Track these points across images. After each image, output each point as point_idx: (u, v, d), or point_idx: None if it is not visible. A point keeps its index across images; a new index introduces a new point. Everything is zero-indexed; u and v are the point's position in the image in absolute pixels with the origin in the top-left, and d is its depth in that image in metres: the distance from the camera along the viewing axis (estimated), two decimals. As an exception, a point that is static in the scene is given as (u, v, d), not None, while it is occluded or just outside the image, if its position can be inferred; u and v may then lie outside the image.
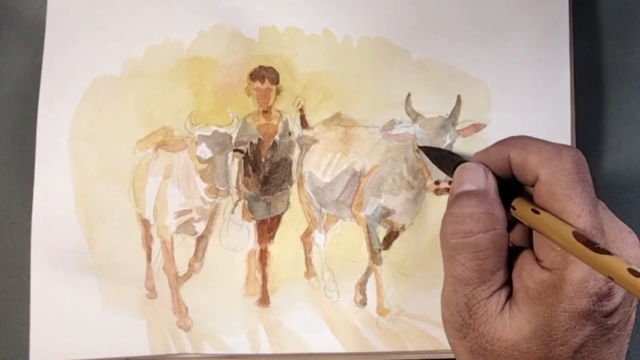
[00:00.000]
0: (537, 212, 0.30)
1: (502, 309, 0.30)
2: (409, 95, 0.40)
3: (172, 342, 0.39)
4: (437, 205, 0.40)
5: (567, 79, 0.40)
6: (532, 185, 0.31)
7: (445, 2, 0.40)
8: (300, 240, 0.40)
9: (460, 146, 0.40)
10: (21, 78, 0.43)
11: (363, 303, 0.39)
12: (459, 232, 0.31)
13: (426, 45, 0.40)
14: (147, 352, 0.39)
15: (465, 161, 0.35)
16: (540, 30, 0.40)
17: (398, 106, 0.40)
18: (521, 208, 0.31)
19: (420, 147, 0.39)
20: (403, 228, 0.40)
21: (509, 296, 0.31)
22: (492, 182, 0.32)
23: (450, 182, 0.39)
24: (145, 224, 0.40)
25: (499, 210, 0.31)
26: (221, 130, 0.40)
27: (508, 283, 0.31)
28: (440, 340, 0.39)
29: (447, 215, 0.32)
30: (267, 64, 0.41)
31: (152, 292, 0.40)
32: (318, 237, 0.40)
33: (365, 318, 0.39)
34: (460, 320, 0.31)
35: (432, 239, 0.39)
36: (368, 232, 0.40)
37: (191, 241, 0.40)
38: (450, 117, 0.40)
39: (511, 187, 0.33)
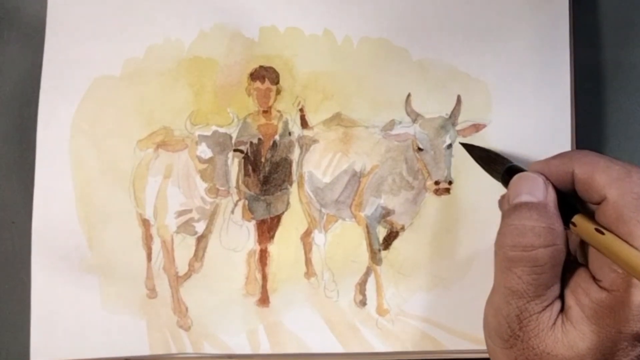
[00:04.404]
0: (602, 233, 0.29)
1: (554, 323, 0.30)
2: (409, 95, 0.40)
3: (172, 341, 0.39)
4: (437, 206, 0.40)
5: (567, 79, 0.40)
6: (596, 203, 0.31)
7: (446, 3, 0.40)
8: (300, 240, 0.40)
9: (461, 146, 0.40)
10: (21, 78, 0.43)
11: (363, 303, 0.39)
12: (519, 245, 0.30)
13: (426, 45, 0.40)
14: (147, 352, 0.39)
15: (516, 166, 0.35)
16: (540, 31, 0.40)
17: (398, 106, 0.40)
18: (583, 226, 0.30)
19: (463, 144, 0.39)
20: (403, 228, 0.40)
21: (560, 311, 0.31)
22: (552, 195, 0.32)
23: (450, 182, 0.39)
24: (146, 223, 0.40)
25: (558, 225, 0.31)
26: (221, 130, 0.40)
27: (559, 297, 0.31)
28: (439, 341, 0.39)
29: (505, 226, 0.31)
30: (267, 64, 0.41)
31: (152, 292, 0.40)
32: (318, 237, 0.40)
33: (365, 318, 0.39)
34: (509, 331, 0.31)
35: (432, 239, 0.39)
36: (368, 232, 0.40)
37: (191, 241, 0.40)
38: (450, 117, 0.40)
39: (569, 201, 0.32)
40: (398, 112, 0.40)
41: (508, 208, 0.32)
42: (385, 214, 0.40)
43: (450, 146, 0.40)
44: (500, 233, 0.32)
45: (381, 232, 0.40)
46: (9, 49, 0.43)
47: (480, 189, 0.39)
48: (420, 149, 0.40)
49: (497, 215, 0.39)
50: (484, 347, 0.38)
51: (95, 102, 0.41)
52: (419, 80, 0.40)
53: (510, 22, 0.40)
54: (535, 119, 0.40)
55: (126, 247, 0.40)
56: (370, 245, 0.40)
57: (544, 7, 0.40)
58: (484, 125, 0.40)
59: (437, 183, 0.39)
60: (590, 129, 0.42)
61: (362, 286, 0.40)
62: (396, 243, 0.40)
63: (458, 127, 0.40)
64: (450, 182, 0.39)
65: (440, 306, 0.39)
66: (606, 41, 0.43)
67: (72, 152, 0.40)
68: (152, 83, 0.41)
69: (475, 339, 0.38)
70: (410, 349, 0.39)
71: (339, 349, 0.39)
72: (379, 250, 0.40)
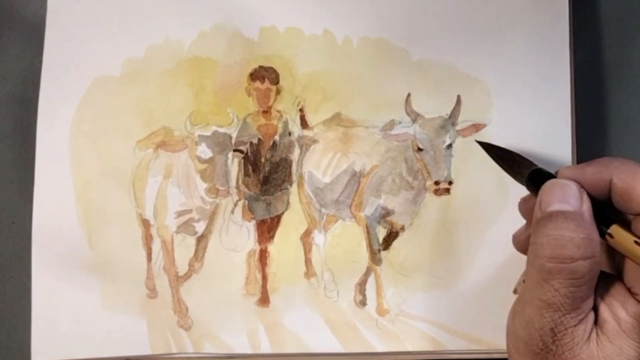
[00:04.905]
0: None
1: (589, 337, 0.29)
2: (408, 95, 0.40)
3: (173, 341, 0.39)
4: (437, 206, 0.40)
5: (567, 79, 0.40)
6: (635, 214, 0.30)
7: (445, 3, 0.40)
8: (300, 241, 0.40)
9: (461, 146, 0.40)
10: (21, 78, 0.43)
11: (363, 303, 0.40)
12: (558, 257, 0.29)
13: (426, 45, 0.40)
14: (148, 352, 0.39)
15: (543, 170, 0.33)
16: (540, 30, 0.40)
17: (398, 106, 0.40)
18: (621, 237, 0.29)
19: (480, 143, 0.37)
20: (403, 228, 0.40)
21: (594, 323, 0.30)
22: (587, 204, 0.30)
23: (449, 183, 0.39)
24: (146, 223, 0.40)
25: (596, 236, 0.29)
26: (221, 130, 0.40)
27: (592, 309, 0.30)
28: (439, 341, 0.39)
29: (541, 235, 0.30)
30: (267, 64, 0.41)
31: (152, 292, 0.40)
32: (318, 237, 0.40)
33: (365, 318, 0.39)
34: (541, 344, 0.30)
35: (432, 240, 0.39)
36: (368, 233, 0.40)
37: (191, 241, 0.40)
38: (450, 117, 0.40)
39: (604, 211, 0.31)
40: (398, 112, 0.40)
41: (542, 216, 0.30)
42: (385, 214, 0.40)
43: (450, 146, 0.40)
44: (536, 243, 0.30)
45: (381, 232, 0.40)
46: (9, 49, 0.43)
47: (480, 190, 0.39)
48: (420, 149, 0.40)
49: (497, 215, 0.39)
50: (483, 347, 0.39)
51: (95, 102, 0.41)
52: (419, 80, 0.40)
53: (511, 22, 0.40)
54: (535, 119, 0.40)
55: (126, 247, 0.40)
56: (370, 245, 0.40)
57: (544, 7, 0.40)
58: (484, 125, 0.40)
59: (437, 183, 0.39)
60: (590, 128, 0.42)
61: (362, 286, 0.40)
62: (396, 243, 0.40)
63: (458, 127, 0.40)
64: (450, 182, 0.39)
65: (440, 306, 0.39)
66: (606, 41, 0.43)
67: (72, 152, 0.40)
68: (152, 83, 0.41)
69: (475, 339, 0.39)
70: (410, 349, 0.39)
71: (339, 349, 0.39)
72: (379, 251, 0.40)
